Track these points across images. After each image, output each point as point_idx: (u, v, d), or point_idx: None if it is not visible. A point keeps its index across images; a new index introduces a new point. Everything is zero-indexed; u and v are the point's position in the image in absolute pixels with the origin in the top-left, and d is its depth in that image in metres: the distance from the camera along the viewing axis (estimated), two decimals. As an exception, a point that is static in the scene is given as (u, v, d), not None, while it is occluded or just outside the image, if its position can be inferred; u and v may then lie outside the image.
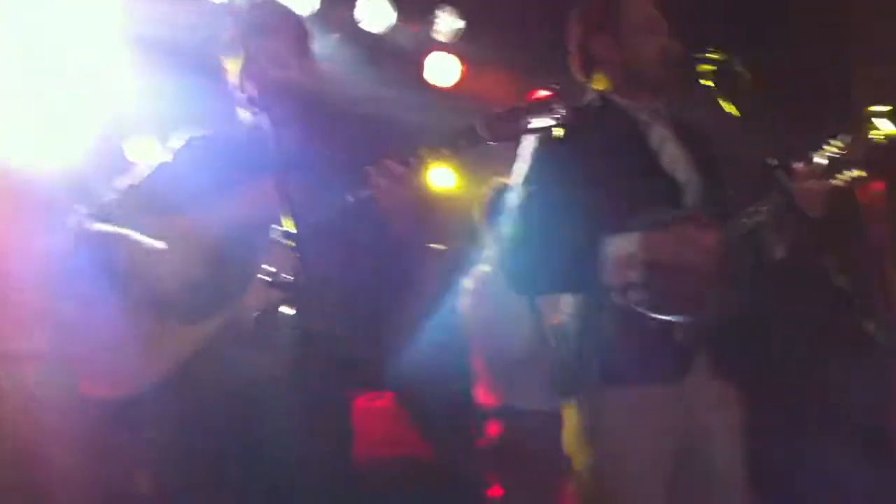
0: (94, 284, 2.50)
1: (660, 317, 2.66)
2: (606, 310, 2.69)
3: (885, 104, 5.60)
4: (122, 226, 2.54)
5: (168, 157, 2.72)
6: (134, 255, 2.48)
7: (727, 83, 2.83)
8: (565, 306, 2.90)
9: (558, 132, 2.40)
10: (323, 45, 5.17)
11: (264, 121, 2.37)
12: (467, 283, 4.47)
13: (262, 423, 2.37)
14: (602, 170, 2.79)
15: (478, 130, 2.42)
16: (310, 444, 2.25)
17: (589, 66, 3.03)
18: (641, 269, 2.64)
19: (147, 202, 2.58)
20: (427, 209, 2.57)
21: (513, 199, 2.88)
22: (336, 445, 2.51)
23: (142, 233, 2.52)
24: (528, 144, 2.89)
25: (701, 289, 2.67)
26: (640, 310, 2.65)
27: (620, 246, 2.68)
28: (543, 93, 5.92)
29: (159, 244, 2.50)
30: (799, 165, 2.84)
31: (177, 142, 2.75)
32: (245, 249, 2.44)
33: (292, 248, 2.12)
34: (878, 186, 5.60)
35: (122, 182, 2.68)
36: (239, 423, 2.39)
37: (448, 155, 2.48)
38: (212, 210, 2.51)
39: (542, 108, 2.40)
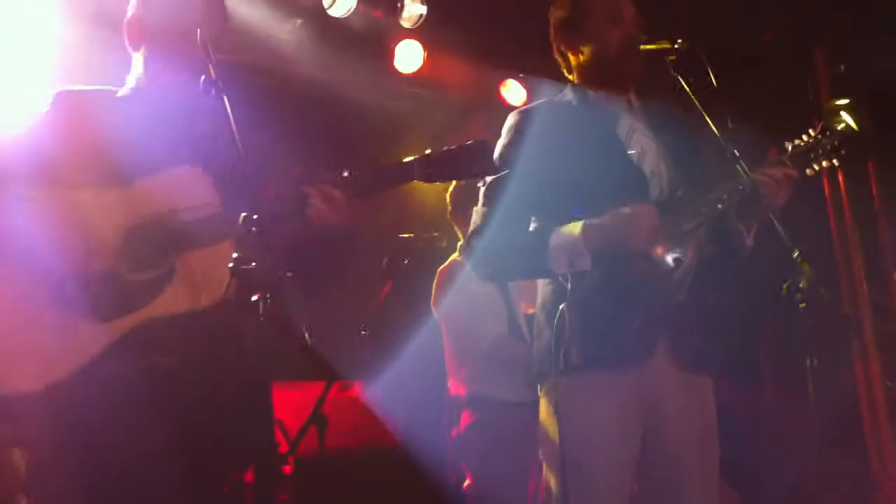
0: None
1: (613, 302, 2.72)
2: (569, 297, 2.71)
3: (845, 97, 5.70)
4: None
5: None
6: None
7: (693, 73, 2.85)
8: (538, 296, 2.94)
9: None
10: (286, 28, 5.13)
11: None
12: (440, 272, 4.46)
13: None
14: (569, 160, 2.84)
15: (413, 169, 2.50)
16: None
17: (564, 59, 3.09)
18: (588, 256, 2.71)
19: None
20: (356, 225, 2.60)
21: (480, 187, 2.93)
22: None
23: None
24: (502, 136, 2.94)
25: (647, 272, 2.71)
26: (593, 295, 2.72)
27: (568, 233, 2.74)
28: (511, 82, 5.88)
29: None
30: (765, 156, 2.88)
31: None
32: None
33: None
34: (840, 176, 5.69)
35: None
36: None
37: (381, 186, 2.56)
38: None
39: (470, 154, 2.46)
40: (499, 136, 2.97)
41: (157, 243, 2.43)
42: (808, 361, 2.74)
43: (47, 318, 2.37)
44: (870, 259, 5.64)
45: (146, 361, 2.40)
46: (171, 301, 2.43)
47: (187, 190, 2.51)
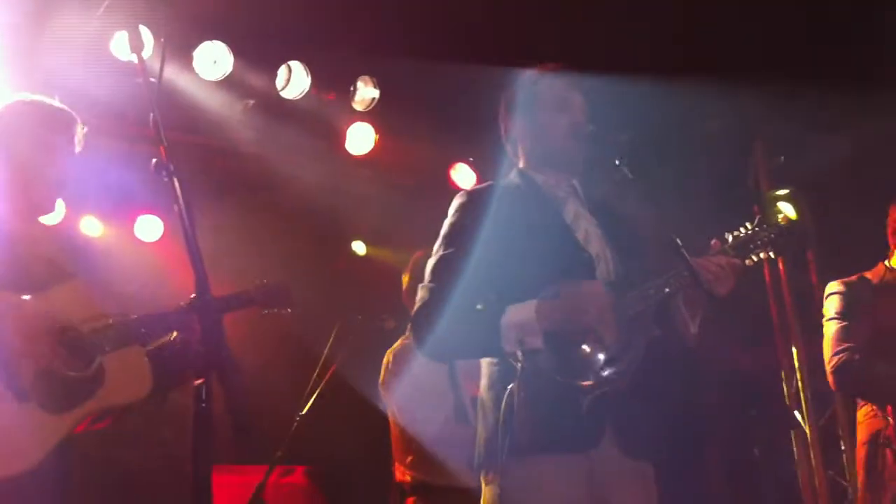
0: None
1: (563, 380, 2.70)
2: (517, 379, 2.70)
3: (784, 188, 5.86)
4: None
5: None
6: None
7: (638, 161, 2.91)
8: (483, 377, 2.92)
9: None
10: (238, 109, 5.16)
11: None
12: (388, 355, 4.43)
13: None
14: (517, 241, 2.85)
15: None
16: None
17: (512, 144, 3.14)
18: (540, 335, 2.69)
19: None
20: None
21: (427, 266, 2.92)
22: None
23: None
24: (449, 215, 2.95)
25: (599, 354, 2.72)
26: (543, 376, 2.69)
27: (521, 312, 2.73)
28: (461, 165, 5.97)
29: None
30: (707, 244, 2.94)
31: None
32: None
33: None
34: (781, 266, 5.81)
35: None
36: None
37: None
38: None
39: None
40: (446, 217, 2.99)
41: (83, 346, 2.72)
42: (753, 451, 2.76)
43: (8, 409, 2.58)
44: (810, 348, 5.73)
45: (102, 453, 2.89)
46: (110, 394, 2.73)
47: (92, 299, 2.85)
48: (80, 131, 3.02)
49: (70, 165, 2.96)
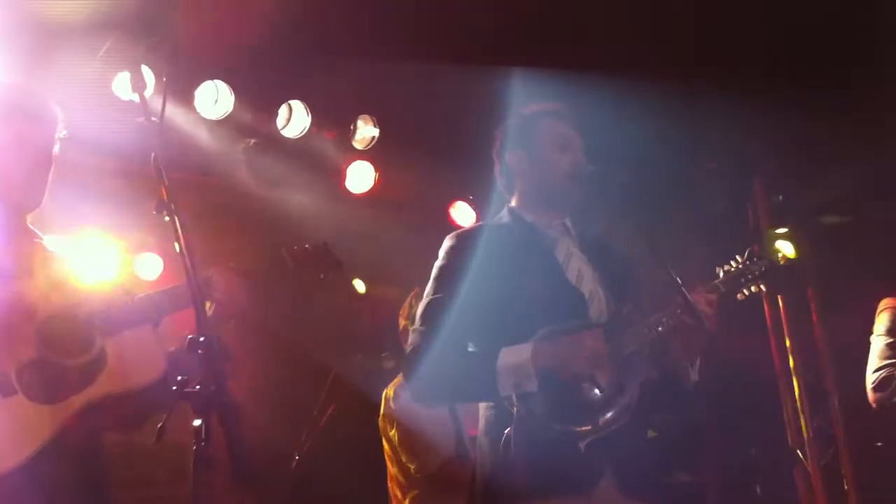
0: None
1: (560, 427, 2.68)
2: (513, 423, 2.69)
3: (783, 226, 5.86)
4: None
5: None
6: None
7: (636, 199, 2.91)
8: (480, 419, 2.89)
9: None
10: (239, 148, 5.18)
11: None
12: (389, 389, 4.41)
13: None
14: (509, 282, 2.84)
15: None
16: None
17: (506, 180, 3.12)
18: (535, 378, 2.68)
19: None
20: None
21: (418, 310, 2.91)
22: None
23: None
24: (439, 257, 2.94)
25: (595, 398, 2.70)
26: (539, 420, 2.68)
27: (515, 355, 2.71)
28: (460, 203, 6.00)
29: None
30: (702, 283, 2.93)
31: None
32: None
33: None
34: (781, 304, 5.79)
35: None
36: None
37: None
38: None
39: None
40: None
41: (77, 331, 2.53)
42: (755, 489, 2.74)
43: None
44: (811, 387, 5.71)
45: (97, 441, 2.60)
46: (108, 382, 2.54)
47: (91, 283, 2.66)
48: (56, 121, 2.78)
49: (44, 156, 2.73)
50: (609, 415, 2.72)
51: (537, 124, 3.08)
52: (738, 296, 2.98)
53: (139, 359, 2.58)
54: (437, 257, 2.97)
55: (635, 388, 2.77)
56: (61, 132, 2.79)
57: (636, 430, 2.78)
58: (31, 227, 2.77)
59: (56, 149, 2.77)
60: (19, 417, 2.43)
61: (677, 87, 4.78)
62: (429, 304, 2.87)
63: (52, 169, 2.76)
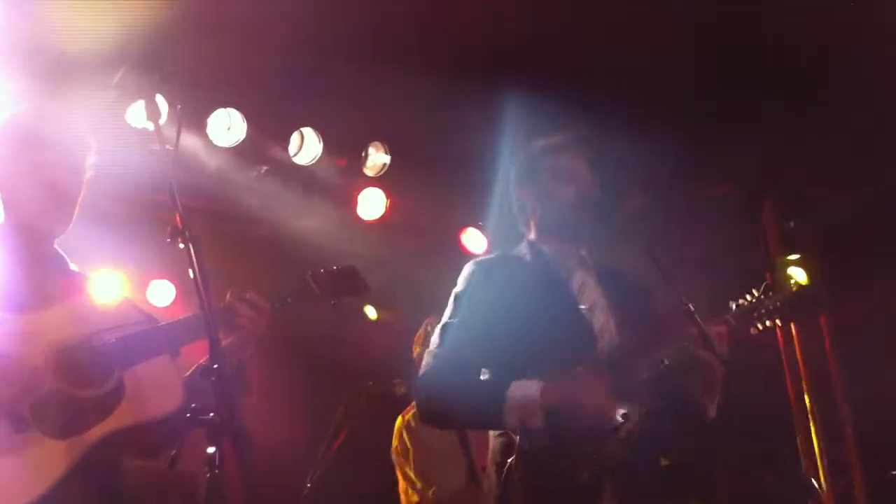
0: None
1: (563, 464, 2.67)
2: (518, 452, 2.69)
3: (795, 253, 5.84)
4: None
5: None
6: None
7: (647, 230, 2.91)
8: (490, 448, 2.90)
9: None
10: (251, 175, 5.21)
11: None
12: (400, 420, 4.40)
13: None
14: (522, 314, 2.85)
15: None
16: None
17: (521, 215, 3.17)
18: (542, 414, 2.68)
19: None
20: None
21: (435, 332, 2.94)
22: None
23: None
24: (459, 283, 2.96)
25: (597, 431, 2.70)
26: (542, 454, 2.68)
27: (524, 390, 2.72)
28: (471, 230, 6.01)
29: None
30: (714, 314, 2.91)
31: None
32: None
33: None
34: (794, 333, 5.76)
35: None
36: None
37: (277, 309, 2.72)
38: None
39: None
40: (456, 283, 2.99)
41: (95, 362, 2.47)
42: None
43: (7, 442, 2.38)
44: (825, 416, 5.67)
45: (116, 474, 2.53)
46: (126, 413, 2.46)
47: (111, 311, 2.62)
48: (78, 144, 2.75)
49: (66, 181, 2.67)
50: (613, 446, 2.72)
51: (543, 159, 3.13)
52: (752, 330, 2.95)
53: (157, 389, 2.51)
54: (453, 281, 2.99)
55: (641, 418, 2.75)
56: (89, 156, 2.75)
57: (645, 459, 2.77)
58: (58, 249, 2.74)
59: (88, 174, 2.74)
60: (33, 454, 2.38)
61: (686, 108, 4.80)
62: (445, 328, 2.91)
63: (82, 192, 2.73)
